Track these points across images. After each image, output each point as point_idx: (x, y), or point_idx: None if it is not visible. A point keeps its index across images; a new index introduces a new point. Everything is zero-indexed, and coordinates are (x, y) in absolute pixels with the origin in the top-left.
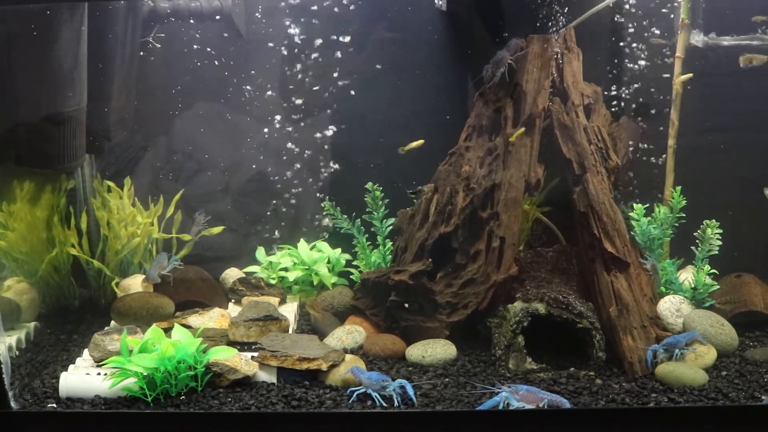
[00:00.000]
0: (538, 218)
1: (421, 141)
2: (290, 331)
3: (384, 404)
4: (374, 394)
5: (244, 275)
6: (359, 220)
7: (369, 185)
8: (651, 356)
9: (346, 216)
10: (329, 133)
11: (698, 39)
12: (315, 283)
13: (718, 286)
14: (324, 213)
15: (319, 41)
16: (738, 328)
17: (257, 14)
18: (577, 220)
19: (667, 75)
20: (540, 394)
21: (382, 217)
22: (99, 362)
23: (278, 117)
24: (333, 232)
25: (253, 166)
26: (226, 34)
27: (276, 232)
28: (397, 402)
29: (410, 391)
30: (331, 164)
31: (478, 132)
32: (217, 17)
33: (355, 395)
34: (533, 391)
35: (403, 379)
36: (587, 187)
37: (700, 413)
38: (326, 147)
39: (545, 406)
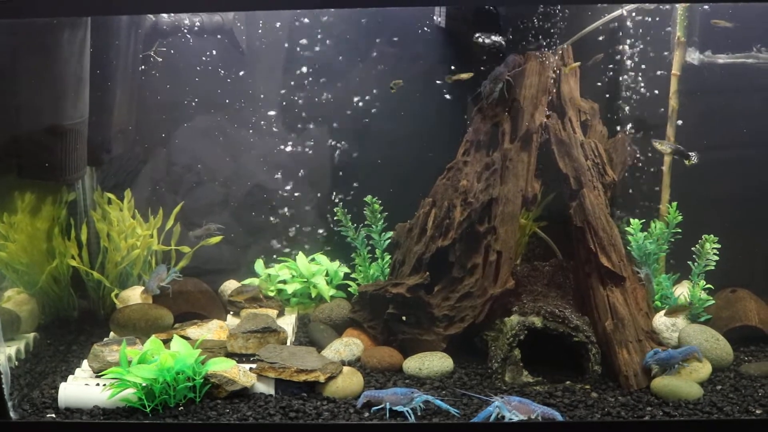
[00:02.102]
0: (534, 232)
1: (470, 74)
2: (288, 343)
3: (413, 419)
4: (406, 409)
5: (241, 286)
6: (362, 231)
7: (368, 198)
8: (651, 355)
9: (354, 225)
10: (329, 145)
11: (694, 56)
12: (313, 295)
13: (713, 301)
14: (335, 218)
15: (319, 55)
16: (733, 343)
17: (258, 29)
18: (574, 234)
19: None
20: (532, 406)
21: (380, 230)
22: (98, 373)
23: (279, 130)
24: (334, 244)
25: (253, 179)
26: (227, 49)
27: (275, 243)
28: (420, 413)
29: (441, 404)
30: (331, 176)
31: (475, 147)
32: (218, 34)
33: (387, 412)
34: (525, 402)
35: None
36: (583, 202)
37: (695, 427)
38: (326, 160)
39: (538, 418)
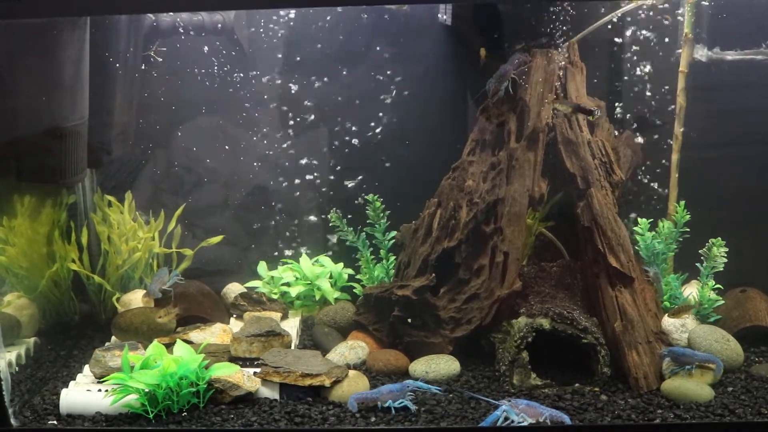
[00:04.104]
0: (541, 233)
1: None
2: (293, 347)
3: (413, 408)
4: (406, 402)
5: (245, 290)
6: (364, 233)
7: (370, 197)
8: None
9: (351, 228)
10: (330, 146)
11: (702, 53)
12: (317, 298)
13: (723, 301)
14: (330, 224)
15: (320, 54)
16: (743, 344)
17: (259, 28)
18: (582, 234)
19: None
20: (540, 409)
21: (383, 230)
22: (100, 378)
23: (279, 130)
24: (337, 245)
25: (254, 180)
26: (227, 48)
27: (278, 245)
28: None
29: (425, 386)
30: (334, 177)
31: (481, 146)
32: (219, 33)
33: (393, 409)
34: (533, 405)
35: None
36: (591, 202)
37: (706, 430)
38: (328, 160)
39: (546, 421)
